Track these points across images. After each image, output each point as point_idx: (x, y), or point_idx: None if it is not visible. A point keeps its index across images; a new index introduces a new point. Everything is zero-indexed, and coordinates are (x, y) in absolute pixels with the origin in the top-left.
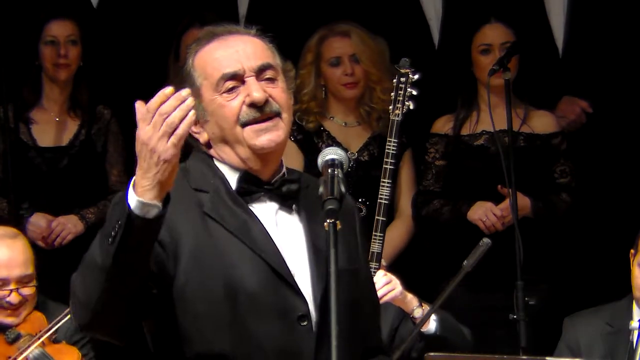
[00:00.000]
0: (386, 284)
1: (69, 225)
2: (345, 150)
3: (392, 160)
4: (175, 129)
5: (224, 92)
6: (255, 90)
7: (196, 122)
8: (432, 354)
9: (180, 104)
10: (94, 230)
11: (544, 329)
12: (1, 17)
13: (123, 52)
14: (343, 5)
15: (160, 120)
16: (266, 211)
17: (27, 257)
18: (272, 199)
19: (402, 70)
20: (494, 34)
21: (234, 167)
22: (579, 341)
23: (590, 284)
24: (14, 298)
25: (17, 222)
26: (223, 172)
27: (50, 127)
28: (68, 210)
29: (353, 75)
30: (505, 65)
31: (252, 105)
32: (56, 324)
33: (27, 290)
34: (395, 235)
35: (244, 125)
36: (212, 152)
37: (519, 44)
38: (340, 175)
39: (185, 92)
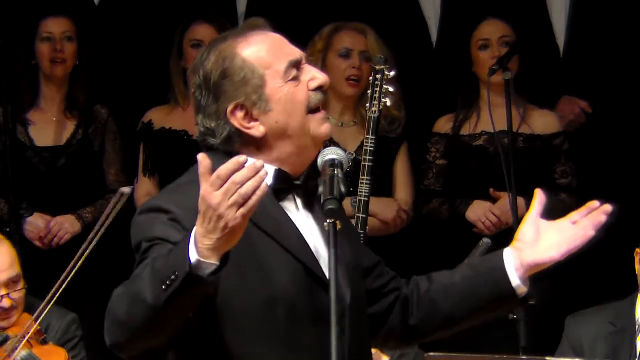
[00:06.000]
0: None
1: (66, 225)
2: (344, 150)
3: (370, 157)
4: (247, 200)
5: (290, 80)
6: (319, 73)
7: (249, 116)
8: (431, 353)
9: (254, 175)
10: (91, 229)
11: (544, 328)
12: None
13: (121, 51)
14: (341, 4)
15: (233, 189)
16: (292, 209)
17: (12, 258)
18: (298, 195)
19: (378, 67)
20: (491, 29)
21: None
22: (582, 340)
23: (591, 284)
24: (5, 303)
25: (17, 222)
26: None
27: (48, 127)
28: (66, 210)
29: (360, 70)
30: (505, 66)
31: (319, 88)
32: (38, 317)
33: (17, 294)
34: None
35: (311, 111)
36: (246, 150)
37: (520, 43)
38: (340, 175)
39: (259, 162)
